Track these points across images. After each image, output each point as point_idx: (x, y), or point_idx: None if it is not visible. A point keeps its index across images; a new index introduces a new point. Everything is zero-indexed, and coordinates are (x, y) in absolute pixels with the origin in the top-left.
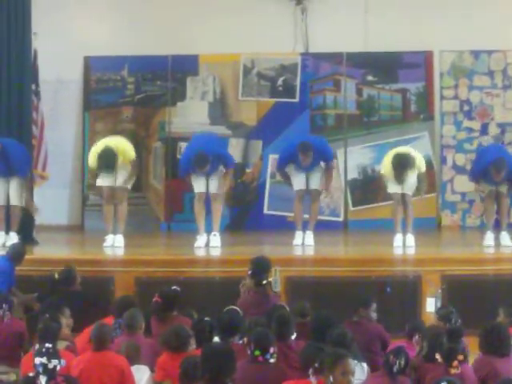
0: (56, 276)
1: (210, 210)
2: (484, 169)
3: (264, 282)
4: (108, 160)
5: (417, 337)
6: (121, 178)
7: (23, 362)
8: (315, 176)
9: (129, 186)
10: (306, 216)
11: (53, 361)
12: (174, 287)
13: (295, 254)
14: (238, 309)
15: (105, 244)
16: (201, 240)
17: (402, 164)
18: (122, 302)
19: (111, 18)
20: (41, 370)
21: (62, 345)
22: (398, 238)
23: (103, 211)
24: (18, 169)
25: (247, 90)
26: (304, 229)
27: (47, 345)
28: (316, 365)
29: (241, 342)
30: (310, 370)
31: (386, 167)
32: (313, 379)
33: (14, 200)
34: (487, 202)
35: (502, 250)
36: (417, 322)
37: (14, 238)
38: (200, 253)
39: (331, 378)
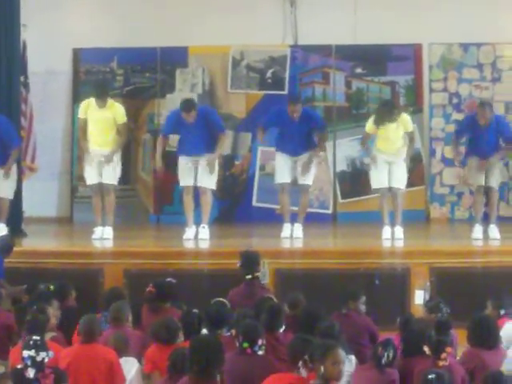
0: (51, 287)
1: (199, 203)
2: (469, 118)
3: (249, 276)
4: (101, 87)
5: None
6: (106, 175)
7: (12, 354)
8: (305, 168)
9: (115, 183)
10: (295, 208)
11: (41, 353)
12: (169, 279)
13: (284, 247)
14: (225, 301)
15: (93, 236)
16: (189, 232)
17: (388, 104)
18: (110, 295)
19: (100, 9)
20: (29, 362)
21: (48, 336)
22: (386, 230)
23: (92, 203)
24: (9, 139)
25: (236, 82)
26: (293, 221)
27: (35, 337)
28: (306, 357)
29: (229, 334)
30: (300, 363)
31: (369, 123)
32: (303, 371)
33: (3, 192)
34: (476, 195)
35: (491, 242)
36: (408, 315)
37: (2, 230)
38: (189, 245)
39: (322, 369)
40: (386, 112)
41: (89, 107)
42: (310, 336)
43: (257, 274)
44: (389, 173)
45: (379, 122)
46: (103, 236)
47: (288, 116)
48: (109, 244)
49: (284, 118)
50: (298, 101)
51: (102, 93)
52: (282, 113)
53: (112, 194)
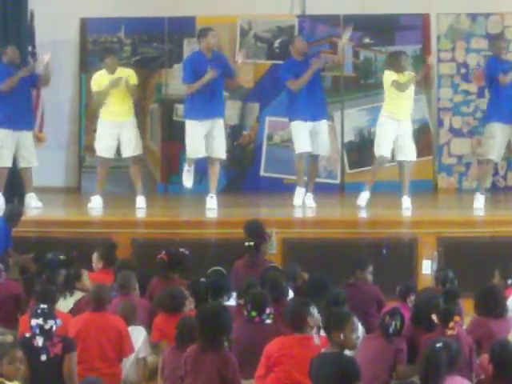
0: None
1: (206, 172)
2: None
3: (247, 243)
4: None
5: (411, 297)
6: (128, 148)
7: (21, 323)
8: (324, 136)
9: (139, 152)
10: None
11: (49, 321)
12: (182, 249)
13: (291, 216)
14: (223, 270)
15: (89, 205)
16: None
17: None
18: (121, 266)
19: None
20: (37, 331)
21: (78, 296)
22: (364, 195)
23: (97, 171)
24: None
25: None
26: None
27: (42, 306)
28: (320, 324)
29: (235, 303)
30: (314, 330)
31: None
32: (315, 337)
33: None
34: (488, 167)
35: (498, 212)
36: (409, 283)
37: (32, 199)
38: (196, 215)
39: (342, 336)
40: (399, 55)
41: (102, 79)
42: (309, 300)
43: (251, 243)
44: (397, 146)
45: (397, 67)
46: (139, 205)
47: (296, 62)
48: (116, 213)
49: (297, 65)
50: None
51: (108, 53)
52: (291, 64)
53: (136, 164)
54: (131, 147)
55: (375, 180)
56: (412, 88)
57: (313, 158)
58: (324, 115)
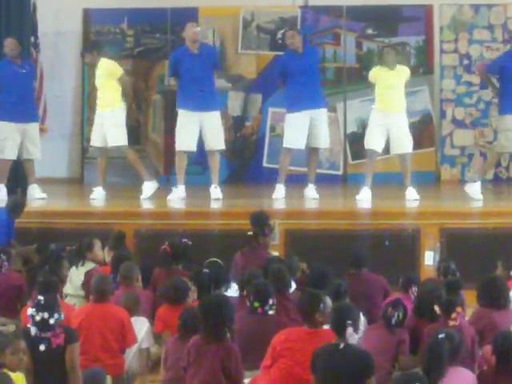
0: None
1: (207, 166)
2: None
3: (250, 232)
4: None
5: (413, 288)
6: (111, 138)
7: (24, 314)
8: (323, 128)
9: (123, 143)
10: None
11: (51, 313)
12: (185, 240)
13: (294, 207)
14: (219, 261)
15: (91, 196)
16: (178, 191)
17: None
18: (117, 257)
19: None
20: (39, 321)
21: (89, 266)
22: (365, 191)
23: (97, 162)
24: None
25: (247, 43)
26: (306, 182)
27: (45, 297)
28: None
29: (237, 294)
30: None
31: (372, 72)
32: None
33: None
34: (494, 158)
35: (501, 203)
36: (411, 274)
37: (35, 191)
38: (198, 206)
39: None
40: (391, 52)
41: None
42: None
43: (251, 233)
44: (390, 139)
45: (381, 62)
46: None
47: (293, 55)
48: (119, 204)
49: (291, 60)
50: (294, 28)
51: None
52: (288, 57)
53: (130, 154)
54: (115, 137)
55: (372, 173)
56: (402, 79)
57: (313, 151)
58: (323, 104)
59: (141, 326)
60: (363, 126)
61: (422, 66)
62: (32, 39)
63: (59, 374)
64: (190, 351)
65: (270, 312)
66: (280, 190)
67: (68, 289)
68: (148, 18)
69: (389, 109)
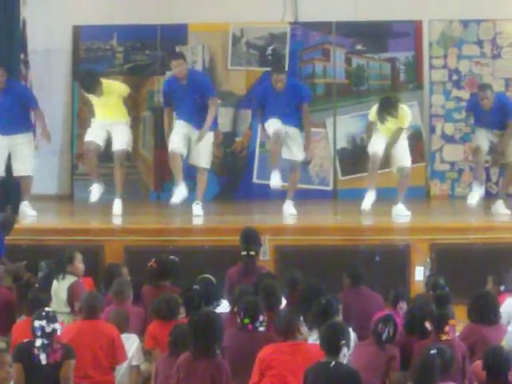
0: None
1: (195, 181)
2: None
3: (244, 252)
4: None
5: (401, 304)
6: (117, 141)
7: (14, 330)
8: (296, 143)
9: (129, 148)
10: (285, 184)
11: (52, 324)
12: (172, 257)
13: (284, 223)
14: (211, 277)
15: (93, 197)
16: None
17: (386, 101)
18: (107, 273)
19: None
20: (39, 333)
21: (70, 280)
22: (369, 197)
23: (86, 162)
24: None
25: (236, 59)
26: (283, 198)
27: (47, 309)
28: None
29: (224, 311)
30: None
31: (372, 112)
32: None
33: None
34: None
35: (492, 218)
36: (400, 289)
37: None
38: (189, 222)
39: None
40: (388, 109)
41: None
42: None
43: (252, 252)
44: (391, 155)
45: (381, 119)
46: (114, 211)
47: (272, 89)
48: (109, 221)
49: (268, 92)
50: (281, 71)
51: (92, 85)
52: (266, 88)
53: (123, 167)
54: (120, 140)
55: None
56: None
57: (292, 166)
58: (294, 124)
59: (131, 342)
60: (353, 141)
61: (412, 82)
62: (22, 56)
63: None
64: (179, 368)
65: (261, 329)
66: (275, 175)
67: (53, 304)
68: (138, 35)
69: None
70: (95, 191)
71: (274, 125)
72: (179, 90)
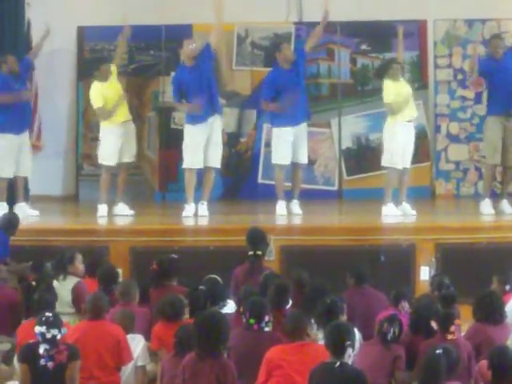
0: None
1: (201, 181)
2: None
3: (251, 252)
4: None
5: (403, 303)
6: (128, 154)
7: (20, 331)
8: (302, 146)
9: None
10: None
11: (52, 330)
12: (172, 255)
13: (289, 223)
14: (218, 277)
15: (98, 214)
16: (189, 209)
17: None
18: (104, 274)
19: None
20: (41, 338)
21: (73, 281)
22: (391, 207)
23: (102, 180)
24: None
25: (241, 60)
26: (289, 198)
27: (48, 314)
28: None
29: (231, 311)
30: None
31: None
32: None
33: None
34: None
35: (497, 218)
36: (402, 289)
37: (22, 209)
38: (194, 222)
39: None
40: (390, 64)
41: (101, 91)
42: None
43: (258, 252)
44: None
45: (392, 75)
46: (122, 212)
47: (282, 72)
48: (114, 222)
49: (282, 77)
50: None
51: (102, 61)
52: (277, 75)
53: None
54: (131, 152)
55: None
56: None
57: (295, 166)
58: (305, 117)
59: (137, 343)
60: (358, 141)
61: (417, 81)
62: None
63: None
64: (185, 368)
65: (266, 329)
66: (282, 207)
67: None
68: (142, 35)
69: (406, 114)
70: (102, 211)
71: (282, 155)
72: (186, 73)
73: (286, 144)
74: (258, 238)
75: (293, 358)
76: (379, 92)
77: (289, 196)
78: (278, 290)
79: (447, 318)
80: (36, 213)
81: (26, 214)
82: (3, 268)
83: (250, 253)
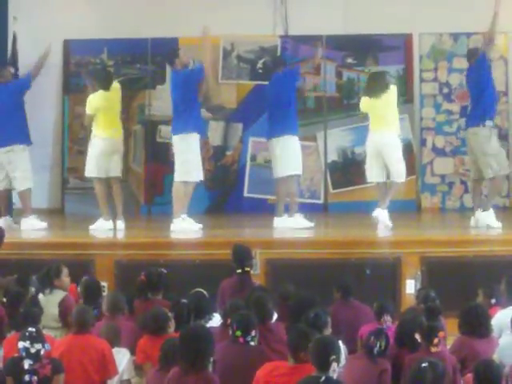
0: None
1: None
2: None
3: (239, 270)
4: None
5: (386, 317)
6: (114, 169)
7: (5, 345)
8: (278, 159)
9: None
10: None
11: (36, 345)
12: (161, 269)
13: (275, 237)
14: (204, 291)
15: (92, 226)
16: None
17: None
18: (87, 288)
19: (90, 1)
20: (24, 353)
21: (59, 294)
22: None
23: (96, 193)
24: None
25: (227, 73)
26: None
27: (30, 329)
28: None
29: (216, 325)
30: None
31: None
32: None
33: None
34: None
35: (481, 231)
36: (385, 302)
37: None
38: (180, 236)
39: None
40: (377, 79)
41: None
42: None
43: (247, 268)
44: (384, 164)
45: (370, 93)
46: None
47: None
48: (100, 235)
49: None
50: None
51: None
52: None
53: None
54: (117, 168)
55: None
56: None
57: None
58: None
59: (122, 357)
60: (344, 154)
61: (402, 95)
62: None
63: None
64: (169, 383)
65: (252, 343)
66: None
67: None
68: (128, 49)
69: (381, 125)
70: (99, 225)
71: (297, 159)
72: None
73: (299, 153)
74: (243, 255)
75: (281, 380)
76: None
77: (273, 210)
78: (258, 303)
79: (431, 331)
80: (44, 225)
81: (11, 227)
82: None
83: (239, 271)
